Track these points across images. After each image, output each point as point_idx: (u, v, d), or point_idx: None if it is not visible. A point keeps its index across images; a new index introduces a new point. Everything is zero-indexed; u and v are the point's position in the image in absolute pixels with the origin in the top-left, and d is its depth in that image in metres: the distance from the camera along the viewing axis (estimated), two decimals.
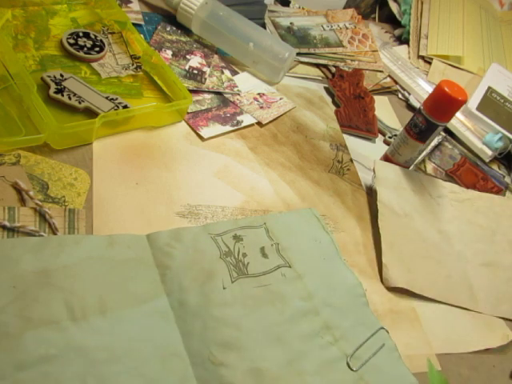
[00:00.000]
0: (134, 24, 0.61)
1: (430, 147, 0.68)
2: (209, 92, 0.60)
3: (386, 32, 0.90)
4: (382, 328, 0.45)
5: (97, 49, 0.56)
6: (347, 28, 0.83)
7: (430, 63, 0.84)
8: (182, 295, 0.40)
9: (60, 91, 0.50)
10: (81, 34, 0.57)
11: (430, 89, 0.78)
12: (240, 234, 0.47)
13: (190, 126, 0.56)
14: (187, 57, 0.63)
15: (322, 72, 0.75)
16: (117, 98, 0.52)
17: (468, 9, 0.94)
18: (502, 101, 0.78)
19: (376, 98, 0.73)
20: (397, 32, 0.91)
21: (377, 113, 0.71)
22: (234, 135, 0.58)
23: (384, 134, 0.70)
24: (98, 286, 0.38)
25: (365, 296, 0.47)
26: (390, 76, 0.80)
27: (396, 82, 0.80)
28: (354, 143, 0.66)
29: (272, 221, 0.49)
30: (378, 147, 0.67)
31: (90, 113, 0.50)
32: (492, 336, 0.50)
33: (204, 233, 0.45)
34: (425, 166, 0.67)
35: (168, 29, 0.66)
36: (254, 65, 0.66)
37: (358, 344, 0.43)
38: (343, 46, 0.79)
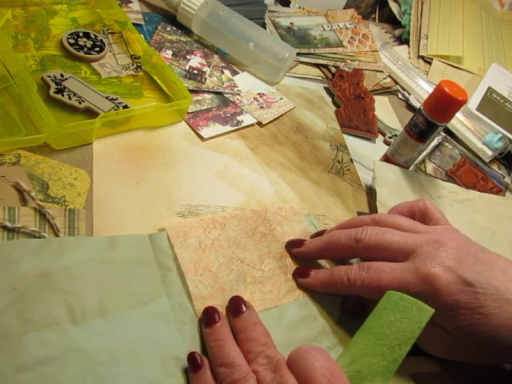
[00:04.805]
0: (134, 24, 0.61)
1: (430, 147, 0.68)
2: (209, 92, 0.60)
3: (386, 32, 0.90)
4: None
5: (97, 49, 0.56)
6: (347, 28, 0.83)
7: (430, 63, 0.85)
8: (183, 297, 0.40)
9: (60, 91, 0.50)
10: (81, 34, 0.57)
11: (430, 89, 0.78)
12: None
13: (190, 126, 0.56)
14: (187, 57, 0.63)
15: (322, 72, 0.75)
16: (117, 98, 0.52)
17: (468, 9, 0.95)
18: (502, 101, 0.78)
19: (376, 98, 0.73)
20: (397, 32, 0.91)
21: (377, 113, 0.71)
22: (234, 135, 0.58)
23: (384, 134, 0.70)
24: (99, 287, 0.38)
25: None
26: (390, 76, 0.81)
27: (396, 82, 0.80)
28: (354, 143, 0.66)
29: None
30: (378, 147, 0.67)
31: (90, 113, 0.50)
32: None
33: None
34: (425, 167, 0.67)
35: (168, 29, 0.66)
36: (254, 65, 0.66)
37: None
38: (343, 46, 0.79)
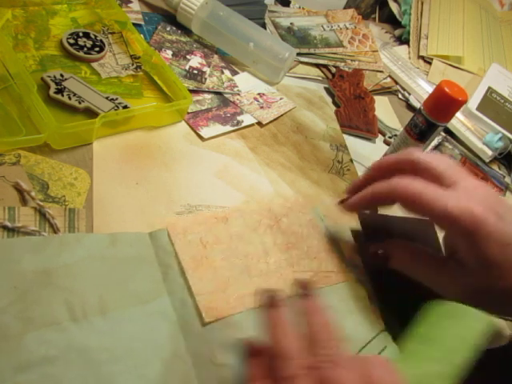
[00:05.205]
0: (134, 24, 0.61)
1: (430, 147, 0.68)
2: (209, 92, 0.60)
3: (386, 32, 0.90)
4: (384, 331, 0.45)
5: (97, 49, 0.56)
6: (347, 28, 0.83)
7: (430, 63, 0.85)
8: (184, 295, 0.40)
9: (60, 91, 0.50)
10: (81, 34, 0.57)
11: (430, 89, 0.78)
12: None
13: (190, 126, 0.56)
14: (187, 57, 0.63)
15: (322, 72, 0.75)
16: (117, 98, 0.52)
17: (468, 9, 0.95)
18: (502, 101, 0.78)
19: (376, 98, 0.73)
20: (397, 32, 0.91)
21: (377, 113, 0.71)
22: (234, 135, 0.58)
23: (384, 134, 0.70)
24: (99, 285, 0.38)
25: (367, 297, 0.47)
26: (390, 76, 0.80)
27: (396, 82, 0.80)
28: (353, 143, 0.66)
29: None
30: (378, 147, 0.67)
31: (90, 113, 0.50)
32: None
33: None
34: None
35: (168, 29, 0.66)
36: (254, 65, 0.66)
37: (360, 346, 0.43)
38: (343, 46, 0.79)
